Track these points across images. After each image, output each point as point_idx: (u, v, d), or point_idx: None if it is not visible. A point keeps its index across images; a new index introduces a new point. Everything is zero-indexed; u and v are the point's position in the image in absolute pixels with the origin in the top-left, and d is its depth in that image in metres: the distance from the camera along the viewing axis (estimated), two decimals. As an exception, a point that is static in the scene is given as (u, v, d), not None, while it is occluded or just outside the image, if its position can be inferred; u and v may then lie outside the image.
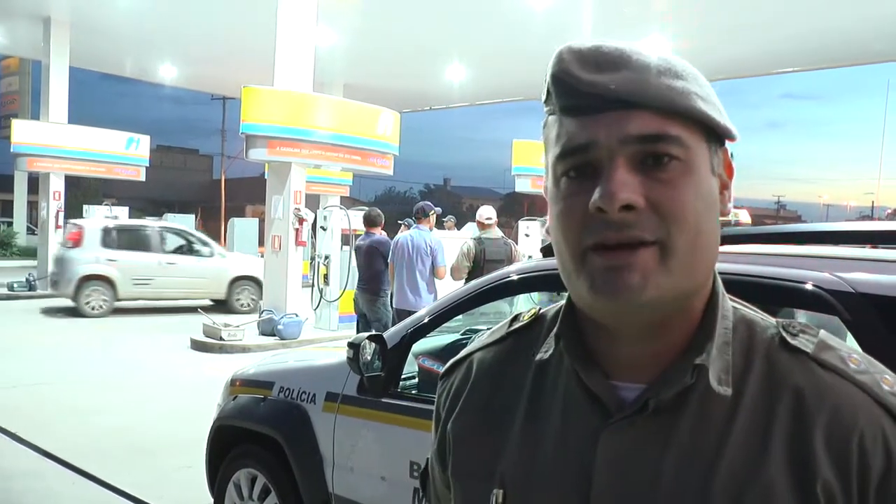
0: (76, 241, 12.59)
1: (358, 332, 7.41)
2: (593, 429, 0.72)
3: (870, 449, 0.65)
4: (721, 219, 0.73)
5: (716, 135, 0.72)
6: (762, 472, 0.66)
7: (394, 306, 7.11)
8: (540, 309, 0.87)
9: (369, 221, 7.94)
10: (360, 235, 8.47)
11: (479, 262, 6.37)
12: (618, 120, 0.67)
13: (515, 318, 0.89)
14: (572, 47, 0.69)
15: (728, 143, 0.75)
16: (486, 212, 6.86)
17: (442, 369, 0.92)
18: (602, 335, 0.74)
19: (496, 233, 6.75)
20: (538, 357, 0.80)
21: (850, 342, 1.75)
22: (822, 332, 0.74)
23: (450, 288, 4.14)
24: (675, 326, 0.72)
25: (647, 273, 0.66)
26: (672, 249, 0.66)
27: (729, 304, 0.76)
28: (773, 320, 0.75)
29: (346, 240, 10.74)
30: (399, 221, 8.28)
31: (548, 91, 0.71)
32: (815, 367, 0.70)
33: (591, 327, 0.75)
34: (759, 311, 0.78)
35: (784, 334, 0.72)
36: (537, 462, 0.76)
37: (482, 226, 6.76)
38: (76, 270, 12.38)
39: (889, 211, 9.35)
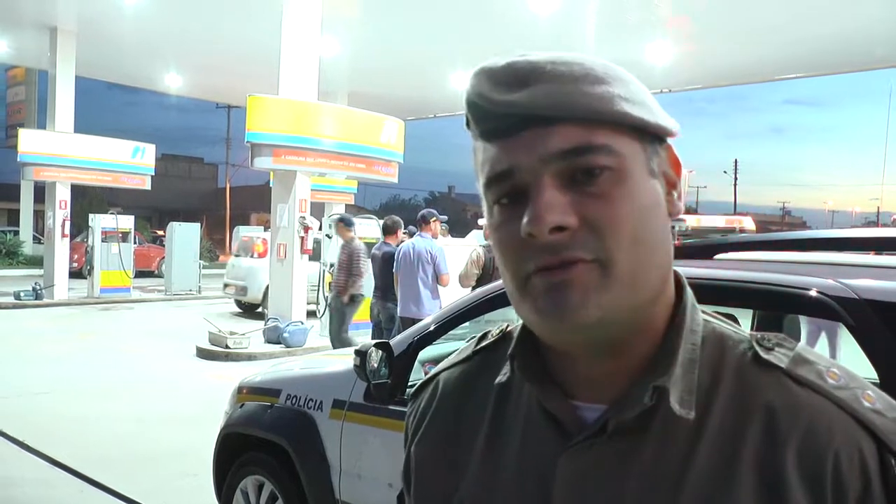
0: (262, 253, 14.20)
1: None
2: (553, 451, 0.69)
3: (846, 470, 0.61)
4: (673, 220, 0.69)
5: (652, 134, 0.67)
6: (730, 497, 0.62)
7: (399, 314, 7.13)
8: (508, 326, 0.84)
9: (385, 230, 7.98)
10: (374, 244, 8.50)
11: (488, 270, 6.38)
12: (538, 138, 0.63)
13: (483, 336, 0.85)
14: (485, 67, 0.65)
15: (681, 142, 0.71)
16: None
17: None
18: (560, 354, 0.71)
19: None
20: (497, 380, 0.76)
21: (856, 348, 1.76)
22: (800, 346, 0.69)
23: (457, 295, 4.16)
24: (633, 344, 0.68)
25: (587, 290, 0.62)
26: (611, 264, 0.63)
27: (699, 316, 0.71)
28: (746, 334, 0.70)
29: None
30: (402, 232, 8.31)
31: (466, 117, 0.67)
32: (789, 384, 0.65)
33: (548, 346, 0.72)
34: (732, 324, 0.73)
35: (757, 349, 0.68)
36: (498, 486, 0.73)
37: None
38: (264, 279, 13.52)
39: (895, 217, 9.34)
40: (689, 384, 0.66)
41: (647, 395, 0.65)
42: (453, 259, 7.26)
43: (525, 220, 0.63)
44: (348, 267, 8.29)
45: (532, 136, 0.63)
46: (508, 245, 0.66)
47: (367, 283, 8.23)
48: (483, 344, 0.83)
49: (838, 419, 0.63)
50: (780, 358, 0.67)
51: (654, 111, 0.67)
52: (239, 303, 15.02)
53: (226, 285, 15.29)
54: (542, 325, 0.66)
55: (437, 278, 6.93)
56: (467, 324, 3.00)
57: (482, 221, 6.91)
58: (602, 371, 0.69)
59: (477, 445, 0.76)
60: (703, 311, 0.73)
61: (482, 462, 0.75)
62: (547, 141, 0.63)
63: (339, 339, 8.32)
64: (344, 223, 8.51)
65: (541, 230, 0.62)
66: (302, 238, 10.62)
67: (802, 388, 0.65)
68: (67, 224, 15.60)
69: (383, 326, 7.67)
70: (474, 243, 12.08)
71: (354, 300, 8.41)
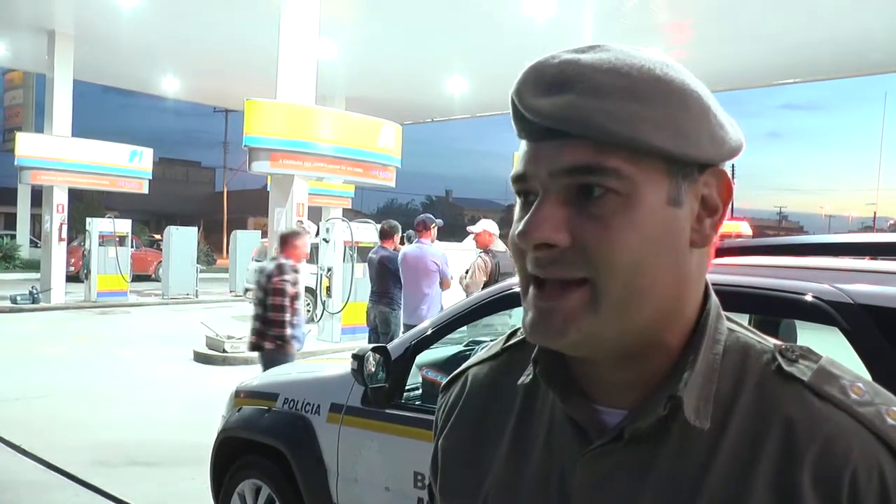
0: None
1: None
2: (574, 454, 0.69)
3: (863, 486, 0.60)
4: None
5: (687, 161, 0.64)
6: None
7: (403, 321, 7.11)
8: None
9: (382, 234, 7.96)
10: (371, 248, 8.48)
11: (494, 276, 6.38)
12: (554, 150, 0.63)
13: (513, 334, 0.85)
14: (539, 63, 0.65)
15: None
16: (493, 227, 6.85)
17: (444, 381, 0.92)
18: (580, 359, 0.70)
19: (502, 245, 6.78)
20: (520, 381, 0.77)
21: (851, 353, 1.76)
22: (825, 359, 0.67)
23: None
24: (649, 354, 0.67)
25: (571, 317, 0.63)
26: (601, 291, 0.62)
27: (724, 325, 0.70)
28: (771, 345, 0.69)
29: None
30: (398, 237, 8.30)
31: None
32: (809, 397, 0.64)
33: None
34: (758, 333, 0.72)
35: (780, 360, 0.67)
36: (521, 483, 0.73)
37: (492, 239, 6.71)
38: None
39: (891, 222, 9.35)
40: (706, 394, 0.66)
41: (662, 404, 0.65)
42: (452, 263, 7.23)
43: (518, 228, 0.64)
44: None
45: (549, 147, 0.63)
46: (513, 243, 0.66)
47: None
48: (511, 342, 0.84)
49: (858, 435, 0.62)
50: (802, 370, 0.66)
51: (689, 137, 0.63)
52: None
53: (247, 290, 15.25)
54: (530, 339, 0.67)
55: (441, 283, 6.91)
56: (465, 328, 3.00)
57: (471, 228, 6.94)
58: (621, 379, 0.69)
59: (503, 443, 0.77)
60: (729, 319, 0.72)
61: (507, 460, 0.76)
62: (558, 155, 0.63)
63: None
64: None
65: (526, 244, 0.63)
66: (299, 242, 10.60)
67: (823, 403, 0.64)
68: (65, 228, 15.57)
69: (380, 331, 7.66)
70: (472, 246, 12.09)
71: None
